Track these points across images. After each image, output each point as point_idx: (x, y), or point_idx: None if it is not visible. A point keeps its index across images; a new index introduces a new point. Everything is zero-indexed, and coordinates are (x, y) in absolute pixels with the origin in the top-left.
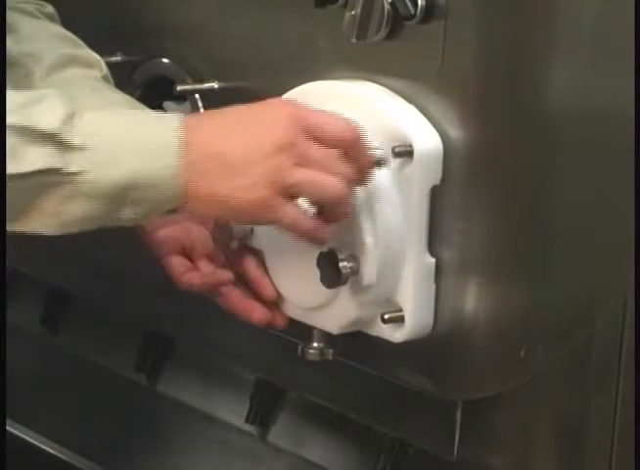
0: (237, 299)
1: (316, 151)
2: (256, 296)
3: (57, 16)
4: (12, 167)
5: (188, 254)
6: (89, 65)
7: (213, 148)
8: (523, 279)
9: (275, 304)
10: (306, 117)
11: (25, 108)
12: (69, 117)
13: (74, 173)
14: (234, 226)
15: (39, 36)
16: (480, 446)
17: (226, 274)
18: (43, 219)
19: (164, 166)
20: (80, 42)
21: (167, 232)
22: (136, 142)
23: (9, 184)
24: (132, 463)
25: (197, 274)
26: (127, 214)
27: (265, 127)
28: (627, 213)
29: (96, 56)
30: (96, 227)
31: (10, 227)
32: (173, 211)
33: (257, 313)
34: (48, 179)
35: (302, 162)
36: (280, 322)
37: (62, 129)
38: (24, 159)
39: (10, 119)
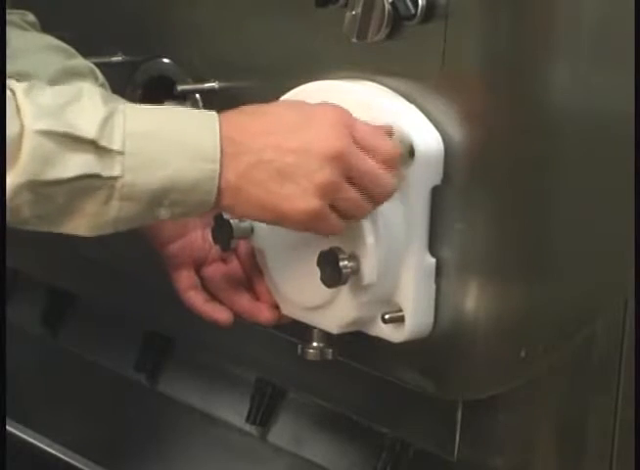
0: (243, 302)
1: (365, 162)
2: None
3: (38, 23)
4: (51, 173)
5: (200, 264)
6: (84, 75)
7: (258, 151)
8: (523, 279)
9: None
10: (355, 126)
11: (61, 111)
12: (107, 119)
13: (114, 177)
14: (234, 226)
15: (30, 50)
16: (481, 446)
17: (226, 314)
18: (82, 221)
19: (204, 170)
20: (72, 51)
21: (182, 245)
22: (175, 145)
23: (48, 189)
24: (132, 463)
25: (200, 297)
26: (163, 215)
27: (317, 135)
28: (627, 213)
29: (90, 65)
30: (129, 228)
31: (50, 229)
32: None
33: (264, 314)
34: (88, 183)
35: (353, 173)
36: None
37: (100, 134)
38: (64, 165)
39: (46, 125)
